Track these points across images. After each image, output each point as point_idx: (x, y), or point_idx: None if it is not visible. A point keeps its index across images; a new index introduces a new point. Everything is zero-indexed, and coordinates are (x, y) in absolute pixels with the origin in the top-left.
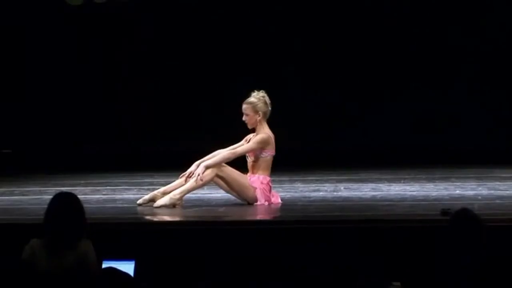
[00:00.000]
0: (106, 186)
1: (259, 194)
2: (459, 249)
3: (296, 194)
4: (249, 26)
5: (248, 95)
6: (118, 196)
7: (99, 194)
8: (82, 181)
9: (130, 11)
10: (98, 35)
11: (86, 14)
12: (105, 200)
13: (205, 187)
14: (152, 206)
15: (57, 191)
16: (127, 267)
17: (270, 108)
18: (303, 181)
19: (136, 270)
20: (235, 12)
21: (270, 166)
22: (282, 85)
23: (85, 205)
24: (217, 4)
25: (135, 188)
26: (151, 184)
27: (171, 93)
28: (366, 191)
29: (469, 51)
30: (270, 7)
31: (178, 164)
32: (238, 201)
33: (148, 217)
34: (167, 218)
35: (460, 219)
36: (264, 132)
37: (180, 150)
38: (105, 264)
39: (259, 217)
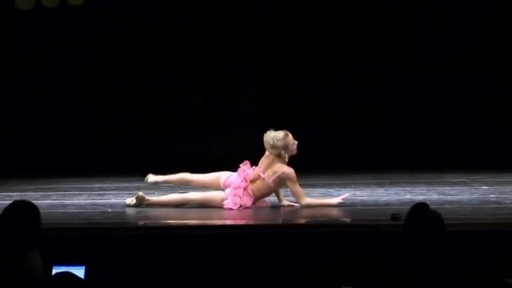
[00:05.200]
0: (56, 191)
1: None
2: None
3: None
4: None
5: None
6: (68, 201)
7: (49, 199)
8: (32, 186)
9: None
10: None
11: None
12: (55, 205)
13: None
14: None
15: (8, 197)
16: (78, 273)
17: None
18: None
19: (86, 275)
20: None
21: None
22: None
23: None
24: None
25: (85, 193)
26: (102, 189)
27: (126, 97)
28: (316, 196)
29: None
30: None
31: (129, 169)
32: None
33: (98, 222)
34: (117, 223)
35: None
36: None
37: (132, 155)
38: (55, 270)
39: (210, 222)
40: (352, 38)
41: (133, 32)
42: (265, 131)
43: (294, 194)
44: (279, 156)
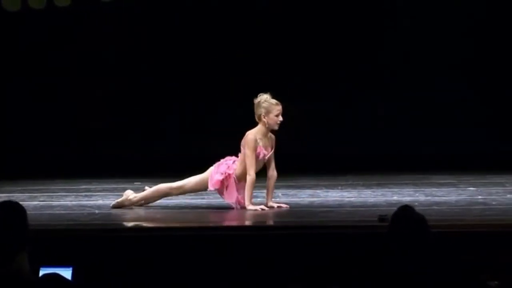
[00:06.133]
0: (44, 192)
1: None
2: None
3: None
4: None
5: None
6: (56, 203)
7: (36, 201)
8: (19, 188)
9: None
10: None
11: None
12: (42, 207)
13: None
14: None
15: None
16: (65, 274)
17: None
18: None
19: (73, 277)
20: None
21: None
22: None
23: None
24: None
25: (73, 195)
26: (89, 190)
27: (122, 98)
28: (303, 197)
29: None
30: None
31: (116, 171)
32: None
33: (85, 224)
34: (105, 224)
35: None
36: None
37: (118, 157)
38: (42, 271)
39: (199, 223)
40: (349, 39)
41: (130, 32)
42: None
43: (246, 164)
44: (259, 119)
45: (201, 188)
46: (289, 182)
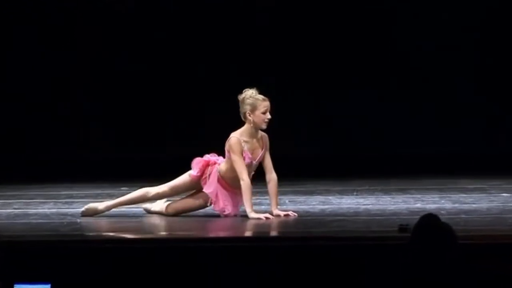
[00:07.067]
0: (18, 199)
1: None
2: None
3: None
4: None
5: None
6: (32, 211)
7: (10, 208)
8: None
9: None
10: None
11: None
12: (17, 215)
13: None
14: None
15: None
16: None
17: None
18: None
19: None
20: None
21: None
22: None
23: None
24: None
25: (51, 201)
26: (70, 196)
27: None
28: (314, 205)
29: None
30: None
31: (98, 175)
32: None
33: (66, 234)
34: (87, 235)
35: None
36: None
37: (99, 160)
38: None
39: (192, 234)
40: (359, 40)
41: (121, 33)
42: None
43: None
44: (245, 118)
45: (185, 182)
46: (298, 187)
